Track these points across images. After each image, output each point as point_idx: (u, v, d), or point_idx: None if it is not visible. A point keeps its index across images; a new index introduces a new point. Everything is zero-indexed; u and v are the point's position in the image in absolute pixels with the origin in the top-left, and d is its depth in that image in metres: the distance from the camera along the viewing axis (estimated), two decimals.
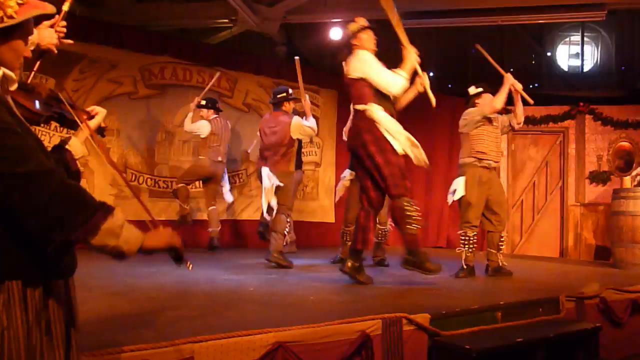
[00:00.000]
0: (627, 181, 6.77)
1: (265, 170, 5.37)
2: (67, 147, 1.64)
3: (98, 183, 6.43)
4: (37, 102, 1.68)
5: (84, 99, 6.41)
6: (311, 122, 5.51)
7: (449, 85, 9.82)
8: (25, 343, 1.36)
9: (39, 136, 1.50)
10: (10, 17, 1.36)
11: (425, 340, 3.04)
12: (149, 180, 6.99)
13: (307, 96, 5.67)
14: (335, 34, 8.68)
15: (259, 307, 3.38)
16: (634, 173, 7.27)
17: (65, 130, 4.67)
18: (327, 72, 9.00)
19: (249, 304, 3.48)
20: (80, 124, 1.75)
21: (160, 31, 7.83)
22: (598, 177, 8.91)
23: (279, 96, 5.54)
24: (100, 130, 1.93)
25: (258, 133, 5.72)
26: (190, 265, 1.57)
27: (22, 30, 1.43)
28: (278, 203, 5.36)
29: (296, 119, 5.46)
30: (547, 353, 3.26)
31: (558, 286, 4.47)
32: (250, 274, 4.85)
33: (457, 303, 3.59)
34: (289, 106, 5.57)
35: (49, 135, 5.96)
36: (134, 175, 6.87)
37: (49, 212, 1.31)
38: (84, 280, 3.55)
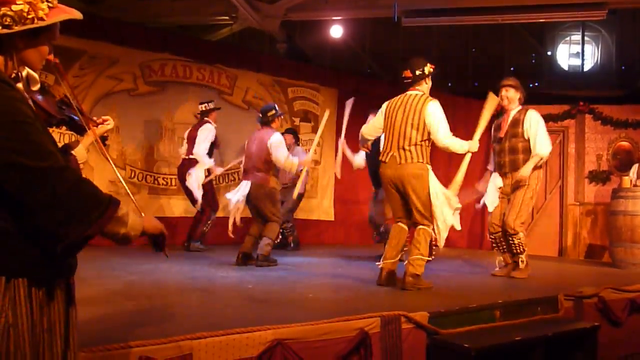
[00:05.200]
0: (626, 181, 6.77)
1: (243, 184, 5.39)
2: (72, 152, 1.68)
3: (98, 180, 6.42)
4: (53, 105, 1.71)
5: (84, 95, 6.41)
6: (298, 158, 5.48)
7: (449, 84, 9.81)
8: (30, 340, 1.37)
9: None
10: (41, 19, 1.40)
11: (424, 338, 3.05)
12: (148, 177, 6.99)
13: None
14: (336, 31, 8.69)
15: (257, 304, 3.39)
16: (631, 173, 7.26)
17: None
18: (328, 70, 9.01)
19: (248, 301, 3.49)
20: (87, 129, 1.79)
21: (161, 28, 7.82)
22: (597, 177, 8.91)
23: (269, 114, 5.43)
24: (103, 139, 1.97)
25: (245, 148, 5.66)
26: (167, 254, 1.68)
27: (49, 33, 1.47)
28: (267, 215, 5.32)
29: (275, 137, 5.31)
30: (546, 352, 3.27)
31: (557, 285, 4.48)
32: (248, 271, 4.85)
33: (455, 301, 3.59)
34: (278, 122, 5.54)
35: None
36: (133, 172, 6.87)
37: (67, 207, 1.34)
38: (83, 276, 3.55)
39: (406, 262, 4.19)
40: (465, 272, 5.37)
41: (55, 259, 1.43)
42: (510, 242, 4.96)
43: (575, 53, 10.35)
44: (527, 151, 4.95)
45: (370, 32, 10.10)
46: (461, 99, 8.77)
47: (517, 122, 5.01)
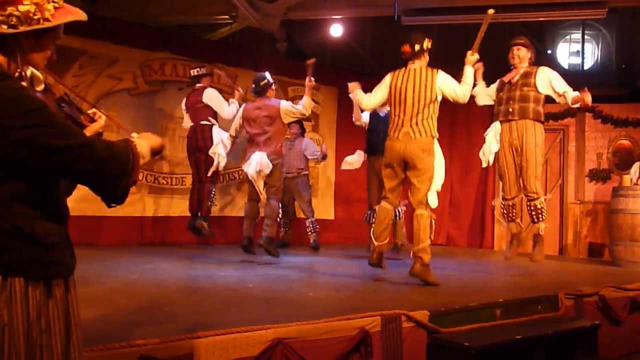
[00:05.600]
0: (627, 179, 6.77)
1: (257, 155, 5.36)
2: None
3: None
4: (53, 104, 1.71)
5: (84, 95, 6.40)
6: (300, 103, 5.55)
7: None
8: (25, 340, 1.36)
9: None
10: (47, 19, 1.41)
11: (424, 337, 3.05)
12: (149, 176, 6.99)
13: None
14: (336, 30, 8.68)
15: (258, 303, 3.39)
16: (632, 171, 7.25)
17: None
18: (328, 69, 9.00)
19: (248, 300, 3.49)
20: (86, 126, 1.81)
21: (161, 27, 7.81)
22: (598, 175, 8.90)
23: (262, 83, 5.55)
24: (98, 135, 1.99)
25: (239, 122, 5.67)
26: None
27: (53, 33, 1.48)
28: (268, 186, 5.41)
29: (283, 102, 5.53)
30: (546, 350, 3.27)
31: (557, 284, 4.48)
32: (249, 270, 4.85)
33: (456, 300, 3.59)
34: (272, 91, 5.62)
35: None
36: None
37: (110, 169, 1.44)
38: (84, 276, 3.56)
39: (412, 253, 4.28)
40: (466, 270, 5.38)
41: (54, 258, 1.44)
42: (532, 207, 4.87)
43: (576, 52, 10.33)
44: (538, 101, 4.90)
45: (371, 31, 10.08)
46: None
47: (529, 74, 4.96)
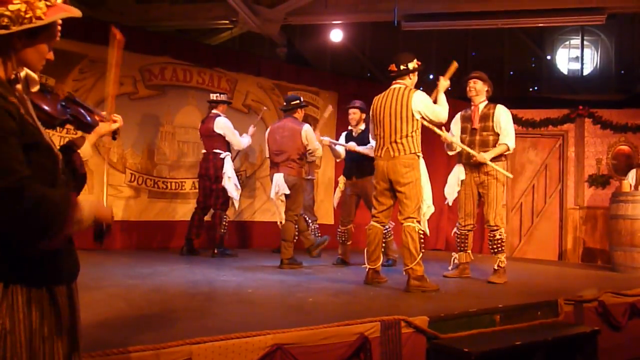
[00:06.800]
0: (626, 185, 6.77)
1: (276, 177, 5.42)
2: (78, 150, 1.67)
3: (97, 183, 6.43)
4: (54, 105, 1.69)
5: (84, 99, 6.36)
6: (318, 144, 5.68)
7: (449, 88, 9.82)
8: (28, 348, 1.35)
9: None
10: (39, 18, 1.37)
11: (424, 342, 3.04)
12: (148, 180, 6.99)
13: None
14: (336, 35, 8.71)
15: (257, 308, 3.38)
16: (629, 177, 7.25)
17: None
18: (327, 74, 9.02)
19: (248, 305, 3.48)
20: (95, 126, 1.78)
21: (161, 32, 7.84)
22: (597, 181, 8.92)
23: (292, 103, 5.62)
24: (113, 134, 1.97)
25: (266, 139, 5.74)
26: (102, 245, 1.62)
27: (48, 32, 1.44)
28: (286, 209, 5.46)
29: (307, 126, 5.54)
30: (546, 356, 3.26)
31: (557, 289, 4.47)
32: (248, 275, 4.84)
33: (455, 306, 3.59)
34: (300, 113, 5.67)
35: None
36: (133, 176, 6.87)
37: (29, 225, 1.27)
38: (83, 281, 3.54)
39: (404, 269, 4.25)
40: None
41: (51, 265, 1.42)
42: (491, 238, 4.93)
43: (575, 57, 10.38)
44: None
45: (370, 36, 10.13)
46: (461, 102, 8.77)
47: (487, 116, 5.00)
